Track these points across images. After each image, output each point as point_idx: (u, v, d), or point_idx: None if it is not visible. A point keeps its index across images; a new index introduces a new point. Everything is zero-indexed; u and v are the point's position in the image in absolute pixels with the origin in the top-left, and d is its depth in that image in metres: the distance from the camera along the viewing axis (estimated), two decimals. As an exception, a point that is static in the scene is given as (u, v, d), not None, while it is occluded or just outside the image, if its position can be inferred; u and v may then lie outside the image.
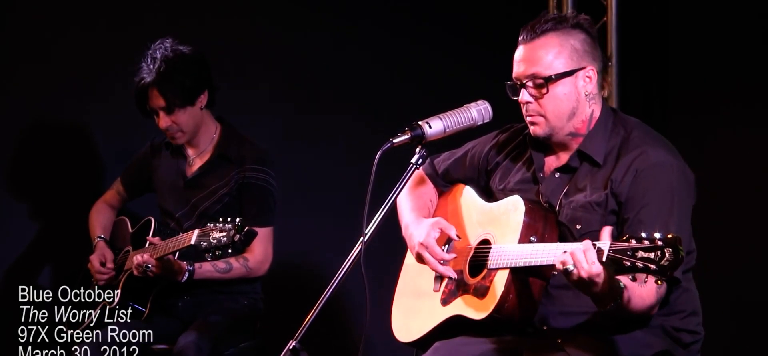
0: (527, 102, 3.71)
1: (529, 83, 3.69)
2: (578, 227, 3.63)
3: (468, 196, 3.99)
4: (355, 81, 6.02)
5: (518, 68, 3.71)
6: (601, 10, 5.77)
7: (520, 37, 3.72)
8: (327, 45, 5.99)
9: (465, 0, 6.21)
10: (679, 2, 5.88)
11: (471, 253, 3.80)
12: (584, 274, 3.30)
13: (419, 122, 3.57)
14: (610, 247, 3.26)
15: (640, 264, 3.17)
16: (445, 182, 4.09)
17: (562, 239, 3.64)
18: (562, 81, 3.67)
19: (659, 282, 3.20)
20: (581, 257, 3.31)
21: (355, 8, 6.02)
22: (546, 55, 3.66)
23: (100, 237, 5.20)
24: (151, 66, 4.89)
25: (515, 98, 3.73)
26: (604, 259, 3.28)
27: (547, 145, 3.80)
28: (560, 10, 5.81)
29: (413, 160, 3.55)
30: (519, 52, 3.72)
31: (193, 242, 4.58)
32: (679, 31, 5.88)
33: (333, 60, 6.00)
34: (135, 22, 5.63)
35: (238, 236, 4.48)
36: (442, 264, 3.79)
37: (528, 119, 3.75)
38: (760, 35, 5.44)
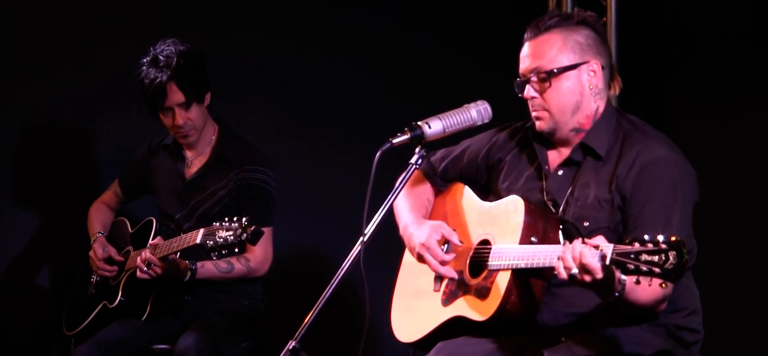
0: (532, 97, 3.72)
1: (533, 78, 3.70)
2: (586, 224, 3.63)
3: (467, 195, 3.98)
4: (355, 81, 6.02)
5: (523, 64, 3.73)
6: (601, 10, 5.76)
7: (526, 35, 3.74)
8: (326, 44, 5.98)
9: (465, 1, 6.22)
10: (679, 2, 5.88)
11: (471, 253, 3.79)
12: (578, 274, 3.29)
13: (419, 122, 3.56)
14: (614, 250, 3.22)
15: (644, 267, 3.14)
16: (443, 181, 4.09)
17: (568, 237, 3.62)
18: (566, 75, 3.68)
19: (664, 285, 3.17)
20: (569, 257, 3.31)
21: (353, 9, 6.02)
22: (549, 50, 3.68)
23: (100, 233, 5.18)
24: (164, 63, 4.84)
25: (521, 95, 3.74)
26: (607, 262, 3.24)
27: (550, 140, 3.80)
28: (560, 10, 5.81)
29: (413, 160, 3.54)
30: (524, 49, 3.74)
31: (198, 241, 4.56)
32: (678, 31, 5.88)
33: (332, 59, 6.00)
34: (133, 23, 5.62)
35: (244, 235, 4.46)
36: (442, 266, 3.78)
37: (533, 113, 3.76)
38: (761, 35, 5.44)
